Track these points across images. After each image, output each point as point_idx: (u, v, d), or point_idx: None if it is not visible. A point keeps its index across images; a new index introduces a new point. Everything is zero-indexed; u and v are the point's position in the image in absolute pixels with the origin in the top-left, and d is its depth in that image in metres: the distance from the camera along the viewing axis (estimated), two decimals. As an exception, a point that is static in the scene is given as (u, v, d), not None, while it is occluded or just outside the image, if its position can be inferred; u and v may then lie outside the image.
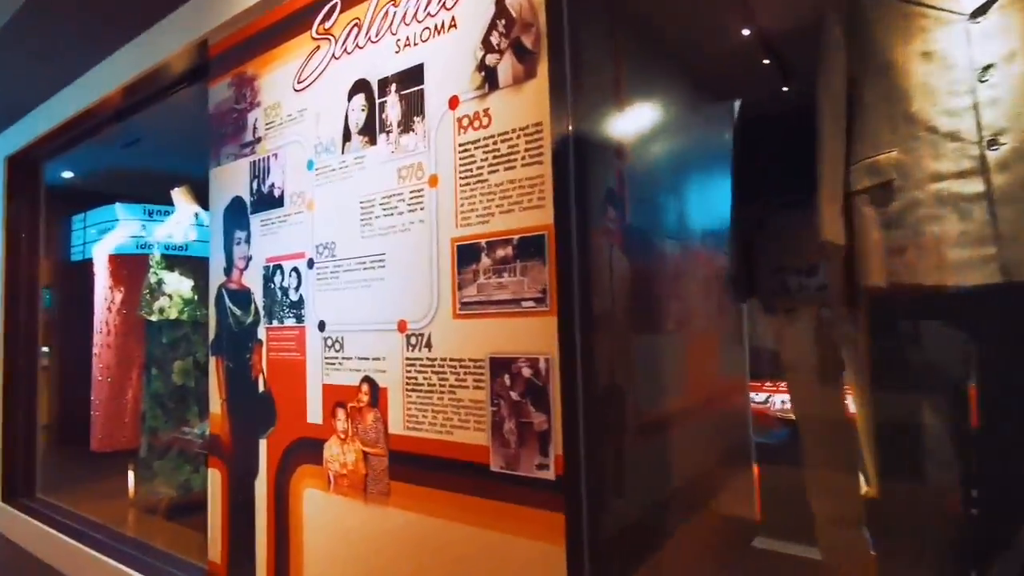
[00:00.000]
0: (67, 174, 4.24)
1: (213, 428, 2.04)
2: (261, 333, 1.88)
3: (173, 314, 3.07)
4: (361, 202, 1.60)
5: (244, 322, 1.94)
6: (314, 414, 1.68)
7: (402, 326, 1.48)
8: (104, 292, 3.50)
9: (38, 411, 3.58)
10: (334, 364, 1.64)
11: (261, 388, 1.86)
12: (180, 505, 3.10)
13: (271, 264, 1.86)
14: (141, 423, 3.36)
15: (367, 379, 1.55)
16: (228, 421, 1.98)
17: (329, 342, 1.66)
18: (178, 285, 3.11)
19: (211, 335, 2.07)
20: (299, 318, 1.75)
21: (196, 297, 3.14)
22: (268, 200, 1.88)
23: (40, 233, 3.65)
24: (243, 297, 1.95)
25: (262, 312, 1.88)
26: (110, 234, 3.63)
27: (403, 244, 1.49)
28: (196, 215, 3.15)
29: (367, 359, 1.56)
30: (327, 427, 1.64)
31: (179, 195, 3.23)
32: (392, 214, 1.52)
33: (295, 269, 1.78)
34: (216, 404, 2.03)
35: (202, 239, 3.16)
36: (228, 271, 2.02)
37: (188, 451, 3.09)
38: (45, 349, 7.17)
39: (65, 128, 3.15)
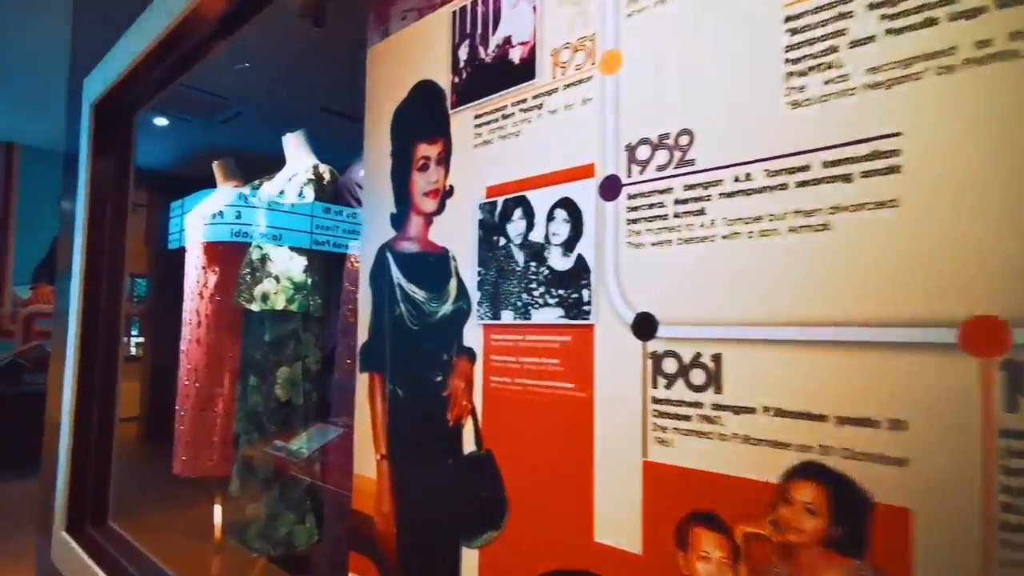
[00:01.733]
0: (160, 121, 3.51)
1: (359, 502, 1.14)
2: (471, 336, 0.95)
3: (280, 303, 2.24)
4: (789, 19, 0.63)
5: (432, 313, 1.02)
6: (617, 526, 0.73)
7: (982, 335, 0.49)
8: (196, 272, 2.74)
9: (116, 416, 2.83)
10: (686, 417, 0.68)
11: (470, 445, 0.93)
12: (280, 560, 2.26)
13: (498, 200, 0.93)
14: (233, 447, 2.56)
15: (813, 470, 0.58)
16: (393, 499, 1.06)
17: (669, 365, 0.70)
18: (287, 264, 2.28)
19: (361, 335, 1.17)
20: (575, 307, 0.81)
21: (310, 280, 2.30)
22: (495, 73, 0.95)
23: (128, 198, 2.92)
24: (431, 267, 1.04)
25: (474, 295, 0.95)
26: (206, 200, 2.88)
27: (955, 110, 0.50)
28: (315, 167, 2.30)
29: (814, 417, 0.58)
30: (657, 565, 0.68)
31: (292, 139, 2.41)
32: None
33: (565, 204, 0.83)
34: (367, 460, 1.12)
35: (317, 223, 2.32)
36: (400, 220, 1.11)
37: (282, 472, 2.25)
38: (140, 340, 6.76)
39: (151, 59, 2.39)
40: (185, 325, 2.77)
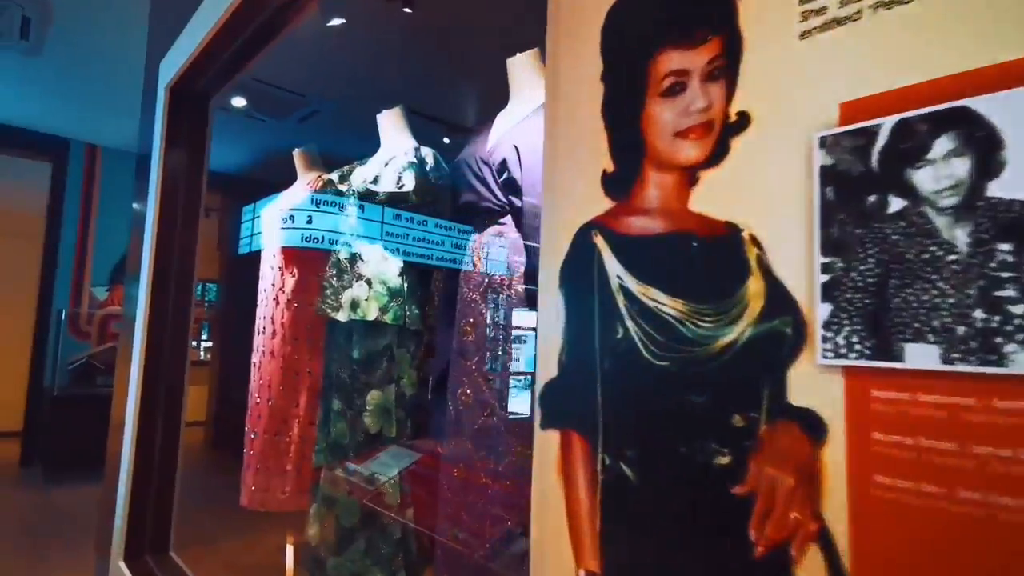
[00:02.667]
0: (238, 102, 3.23)
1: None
2: (811, 386, 0.49)
3: (372, 312, 1.84)
4: None
5: (703, 339, 0.56)
6: None
7: None
8: (272, 274, 2.40)
9: (182, 427, 2.50)
10: None
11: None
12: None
13: (884, 124, 0.47)
14: (311, 480, 2.19)
15: None
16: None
17: None
18: (381, 265, 1.89)
19: (544, 366, 0.72)
20: None
21: (406, 286, 1.90)
22: None
23: (201, 194, 2.61)
24: (698, 258, 0.58)
25: (815, 308, 0.49)
26: (284, 194, 2.55)
27: None
28: (416, 149, 1.91)
29: None
30: None
31: (389, 117, 2.02)
32: None
33: None
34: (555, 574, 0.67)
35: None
36: (622, 182, 0.66)
37: (372, 518, 1.84)
38: (209, 344, 6.62)
39: (224, 35, 2.07)
40: (258, 334, 2.43)
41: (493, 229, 1.41)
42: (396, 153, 1.92)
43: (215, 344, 6.39)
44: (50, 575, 2.92)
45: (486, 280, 1.39)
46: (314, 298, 2.40)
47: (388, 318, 1.86)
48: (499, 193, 1.39)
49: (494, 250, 1.39)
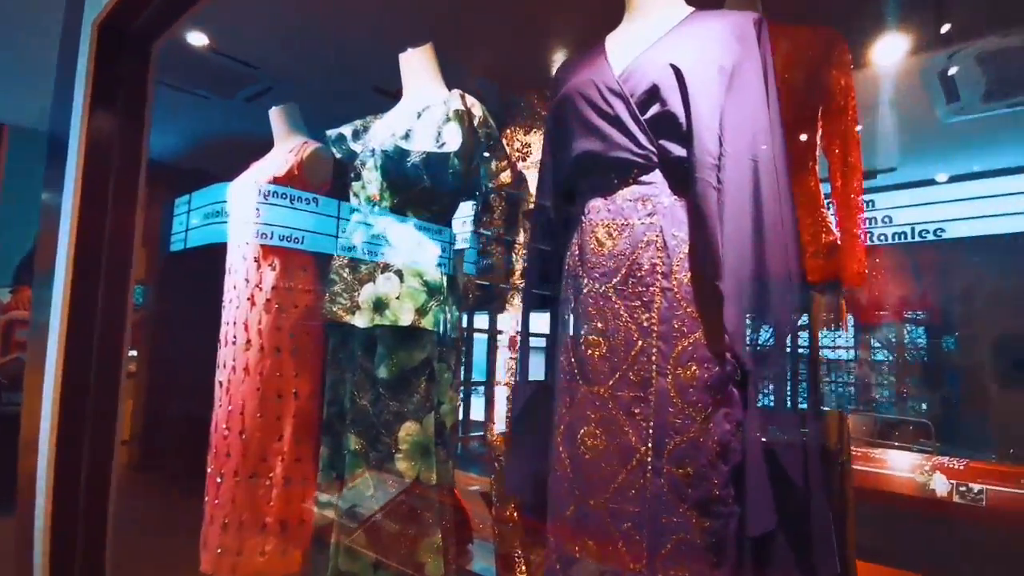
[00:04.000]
0: (198, 40, 2.61)
1: None
2: None
3: (405, 316, 1.34)
4: None
5: None
6: None
7: None
8: (244, 267, 1.84)
9: (116, 451, 1.89)
10: None
11: None
12: None
13: None
14: (306, 543, 1.67)
15: None
16: None
17: None
18: (414, 250, 1.39)
19: None
20: None
21: (446, 281, 1.41)
22: None
23: (143, 167, 2.00)
24: None
25: None
26: (258, 165, 1.99)
27: None
28: (461, 97, 1.41)
29: None
30: None
31: (417, 58, 1.52)
32: None
33: None
34: None
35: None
36: None
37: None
38: (133, 353, 5.81)
39: None
40: (224, 345, 1.86)
41: (631, 191, 0.95)
42: (431, 102, 1.42)
43: (140, 353, 5.57)
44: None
45: (625, 267, 0.92)
46: (301, 297, 1.86)
47: (427, 323, 1.36)
48: (643, 137, 0.93)
49: (636, 222, 0.93)
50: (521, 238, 1.58)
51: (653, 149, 0.94)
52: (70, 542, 1.75)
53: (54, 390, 1.73)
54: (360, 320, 1.37)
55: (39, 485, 1.78)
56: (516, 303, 1.55)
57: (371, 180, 1.42)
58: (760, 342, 0.88)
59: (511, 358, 1.53)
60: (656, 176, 0.94)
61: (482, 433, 1.82)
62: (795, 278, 0.89)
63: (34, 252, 4.90)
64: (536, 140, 1.65)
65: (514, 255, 1.58)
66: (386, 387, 1.35)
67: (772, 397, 0.88)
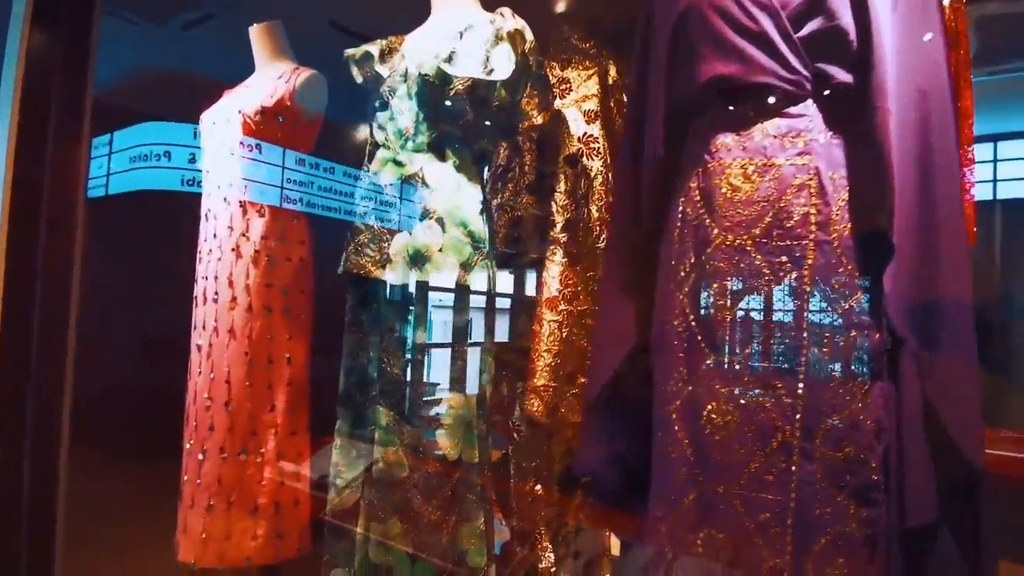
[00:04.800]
0: None
1: None
2: None
3: (449, 271, 1.15)
4: None
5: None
6: None
7: None
8: (227, 213, 1.58)
9: (64, 431, 1.61)
10: None
11: None
12: None
13: None
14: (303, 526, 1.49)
15: None
16: None
17: None
18: (455, 195, 1.19)
19: None
20: None
21: (487, 230, 1.23)
22: None
23: (89, 87, 1.66)
24: None
25: None
26: (236, 92, 1.70)
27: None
28: (512, 15, 1.21)
29: None
30: None
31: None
32: None
33: None
34: None
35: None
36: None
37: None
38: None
39: None
40: (200, 303, 1.61)
41: (774, 125, 0.79)
42: (473, 21, 1.21)
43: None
44: None
45: (769, 215, 0.77)
46: (295, 249, 1.63)
47: (472, 280, 1.18)
48: (795, 59, 0.77)
49: (784, 162, 0.78)
50: (561, 187, 1.40)
51: (807, 74, 0.78)
52: (14, 531, 1.49)
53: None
54: (393, 275, 1.17)
55: None
56: (557, 259, 1.39)
57: (404, 110, 1.20)
58: (928, 308, 0.76)
59: (552, 320, 1.38)
60: (809, 107, 0.78)
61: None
62: (967, 234, 0.77)
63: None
64: (575, 75, 1.47)
65: (554, 205, 1.40)
66: (425, 354, 1.17)
67: (936, 370, 0.77)
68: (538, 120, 1.50)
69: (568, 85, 1.47)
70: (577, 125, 1.40)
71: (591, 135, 1.39)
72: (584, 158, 1.39)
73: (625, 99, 1.49)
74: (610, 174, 1.40)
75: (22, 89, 1.45)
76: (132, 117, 2.09)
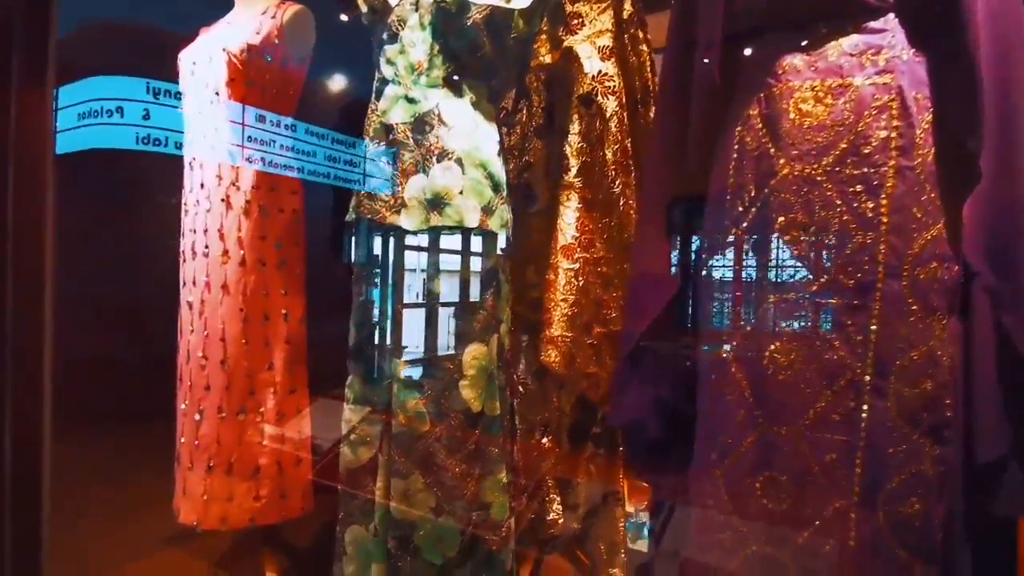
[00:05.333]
0: None
1: None
2: None
3: (471, 215, 1.09)
4: None
5: None
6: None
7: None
8: (215, 160, 1.46)
9: (46, 405, 1.51)
10: None
11: None
12: None
13: None
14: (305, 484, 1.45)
15: None
16: None
17: None
18: (473, 134, 1.12)
19: None
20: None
21: (504, 172, 1.16)
22: None
23: (52, 38, 1.50)
24: None
25: None
26: (217, 29, 1.56)
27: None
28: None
29: None
30: None
31: None
32: None
33: None
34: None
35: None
36: None
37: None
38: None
39: None
40: (188, 259, 1.50)
41: (851, 43, 0.74)
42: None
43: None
44: None
45: (844, 142, 0.73)
46: (288, 200, 1.53)
47: (493, 224, 1.12)
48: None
49: (862, 83, 0.73)
50: (575, 128, 1.33)
51: (893, -16, 0.73)
52: None
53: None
54: (409, 220, 1.09)
55: None
56: (572, 205, 1.33)
57: (416, 42, 1.10)
58: (1007, 238, 0.73)
59: (568, 269, 1.33)
60: (889, 21, 0.73)
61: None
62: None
63: None
64: (587, 9, 1.38)
65: (568, 148, 1.33)
66: (442, 303, 1.11)
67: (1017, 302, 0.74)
68: (547, 59, 1.42)
69: (580, 20, 1.38)
70: (591, 63, 1.32)
71: (605, 73, 1.32)
72: (599, 97, 1.32)
73: (640, 35, 1.42)
74: (625, 114, 1.33)
75: None
76: (79, 71, 1.93)
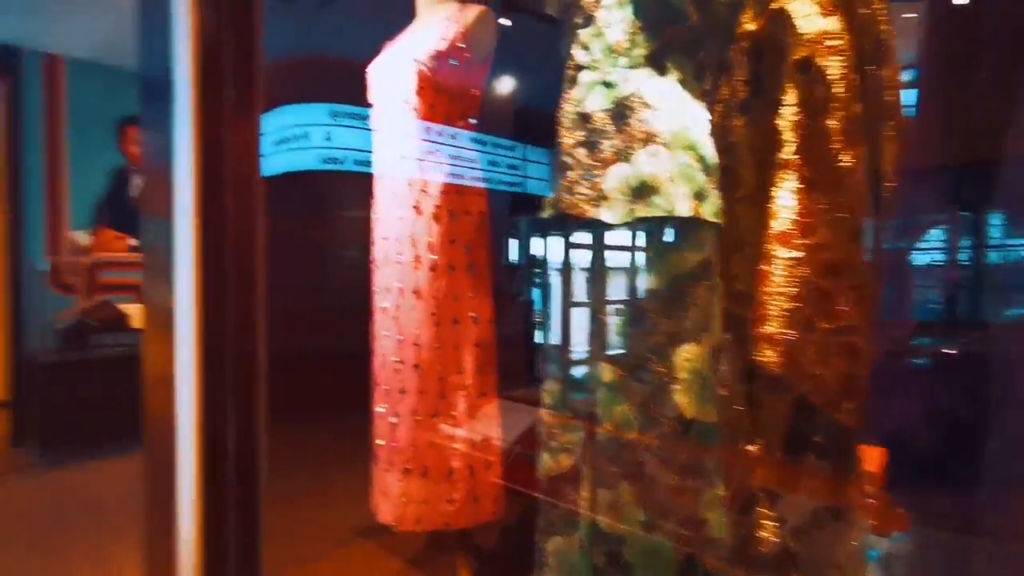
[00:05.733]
0: None
1: None
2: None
3: (682, 203, 0.98)
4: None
5: None
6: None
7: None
8: (409, 164, 1.50)
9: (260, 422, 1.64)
10: None
11: None
12: None
13: None
14: (495, 488, 1.42)
15: None
16: None
17: None
18: (679, 115, 1.01)
19: None
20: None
21: (713, 157, 1.04)
22: None
23: (259, 67, 1.65)
24: None
25: None
26: (401, 42, 1.61)
27: None
28: None
29: None
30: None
31: None
32: None
33: None
34: None
35: None
36: None
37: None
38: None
39: None
40: (384, 266, 1.56)
41: None
42: None
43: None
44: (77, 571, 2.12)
45: None
46: (474, 202, 1.53)
47: (706, 211, 1.00)
48: None
49: None
50: (791, 99, 1.18)
51: None
52: (221, 475, 1.53)
53: (193, 329, 1.47)
54: (610, 213, 1.02)
55: (181, 420, 1.55)
56: (790, 186, 1.17)
57: (613, 21, 1.03)
58: None
59: (786, 258, 1.17)
60: None
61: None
62: None
63: (111, 193, 4.69)
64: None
65: (782, 122, 1.18)
66: (655, 301, 1.01)
67: None
68: (751, 26, 1.28)
69: (789, -23, 1.22)
70: (810, 21, 1.16)
71: (829, 31, 1.15)
72: (820, 60, 1.15)
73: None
74: (855, 77, 1.15)
75: (198, 66, 1.45)
76: (270, 102, 2.10)
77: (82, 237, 4.46)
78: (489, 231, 1.55)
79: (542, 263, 1.18)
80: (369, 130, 1.49)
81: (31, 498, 3.11)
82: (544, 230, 1.17)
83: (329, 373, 2.26)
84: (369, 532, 1.97)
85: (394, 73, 1.51)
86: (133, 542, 2.42)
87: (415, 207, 1.47)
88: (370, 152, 1.56)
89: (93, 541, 2.46)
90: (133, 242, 4.41)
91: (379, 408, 1.57)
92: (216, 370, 1.48)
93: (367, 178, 1.61)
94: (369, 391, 1.64)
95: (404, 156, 1.49)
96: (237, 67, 1.52)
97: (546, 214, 1.14)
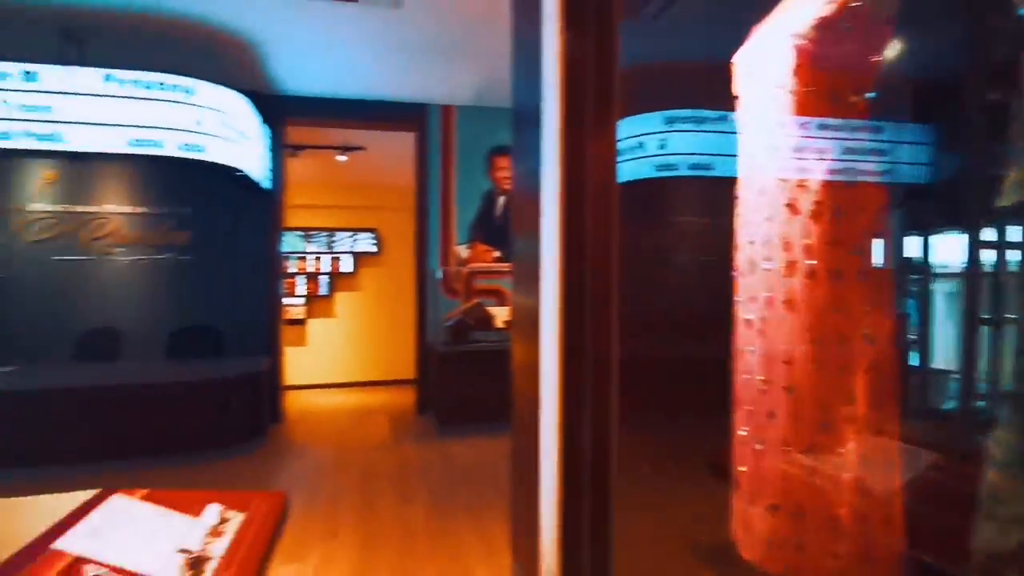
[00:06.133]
0: None
1: None
2: None
3: None
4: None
5: None
6: None
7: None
8: (782, 157, 1.31)
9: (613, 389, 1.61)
10: None
11: None
12: None
13: None
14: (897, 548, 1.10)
15: None
16: None
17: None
18: None
19: None
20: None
21: None
22: None
23: (615, 91, 1.64)
24: None
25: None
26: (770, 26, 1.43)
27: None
28: None
29: None
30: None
31: None
32: None
33: None
34: None
35: None
36: None
37: None
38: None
39: None
40: (749, 273, 1.39)
41: None
42: None
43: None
44: (461, 528, 2.45)
45: None
46: (869, 193, 1.25)
47: None
48: None
49: None
50: None
51: None
52: (578, 460, 1.56)
53: (556, 329, 1.54)
54: None
55: (544, 406, 1.64)
56: None
57: None
58: None
59: None
60: None
61: None
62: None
63: (482, 212, 5.47)
64: None
65: None
66: None
67: None
68: None
69: None
70: None
71: None
72: None
73: None
74: None
75: (564, 87, 1.51)
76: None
77: (463, 250, 5.39)
78: (890, 230, 1.25)
79: (938, 267, 0.86)
80: (709, 132, 1.36)
81: (430, 459, 3.87)
82: (992, 222, 0.86)
83: (679, 382, 2.17)
84: (715, 558, 1.82)
85: (763, 57, 1.33)
86: (499, 512, 2.76)
87: (789, 205, 1.27)
88: (706, 155, 1.42)
89: (473, 504, 2.90)
90: (497, 254, 5.22)
91: (741, 431, 1.41)
92: (575, 365, 1.53)
93: (706, 182, 1.48)
94: (723, 408, 1.50)
95: (775, 148, 1.30)
96: (597, 84, 1.55)
97: (1006, 201, 0.83)
